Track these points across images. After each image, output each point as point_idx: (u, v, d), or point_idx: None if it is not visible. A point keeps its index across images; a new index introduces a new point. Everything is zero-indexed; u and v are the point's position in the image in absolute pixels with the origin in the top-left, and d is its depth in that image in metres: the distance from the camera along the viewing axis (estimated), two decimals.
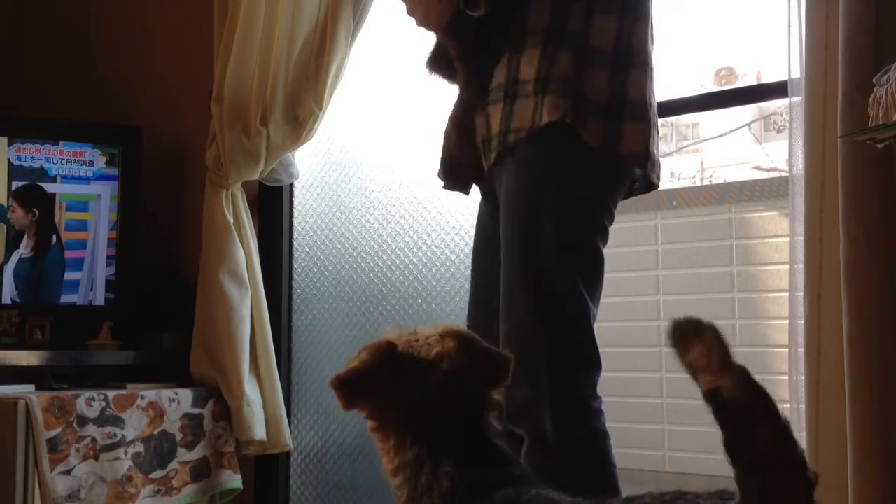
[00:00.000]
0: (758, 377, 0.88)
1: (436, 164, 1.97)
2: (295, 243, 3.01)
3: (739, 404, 0.87)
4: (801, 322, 1.87)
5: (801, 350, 1.87)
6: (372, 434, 1.23)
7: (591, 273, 1.74)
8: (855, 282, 1.74)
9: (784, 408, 1.91)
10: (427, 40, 1.97)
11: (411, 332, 1.24)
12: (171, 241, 3.09)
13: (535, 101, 1.74)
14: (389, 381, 1.18)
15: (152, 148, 2.97)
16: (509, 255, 1.75)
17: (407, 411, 1.18)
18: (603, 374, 1.72)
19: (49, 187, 2.86)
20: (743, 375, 0.88)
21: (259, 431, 2.69)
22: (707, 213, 5.60)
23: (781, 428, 0.86)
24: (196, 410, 2.64)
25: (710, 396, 0.88)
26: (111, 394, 2.47)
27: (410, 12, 1.91)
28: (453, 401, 1.18)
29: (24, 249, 2.84)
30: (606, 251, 1.77)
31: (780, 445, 0.86)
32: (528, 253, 1.73)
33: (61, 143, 2.87)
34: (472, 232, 2.02)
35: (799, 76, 1.93)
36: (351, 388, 1.18)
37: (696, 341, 0.89)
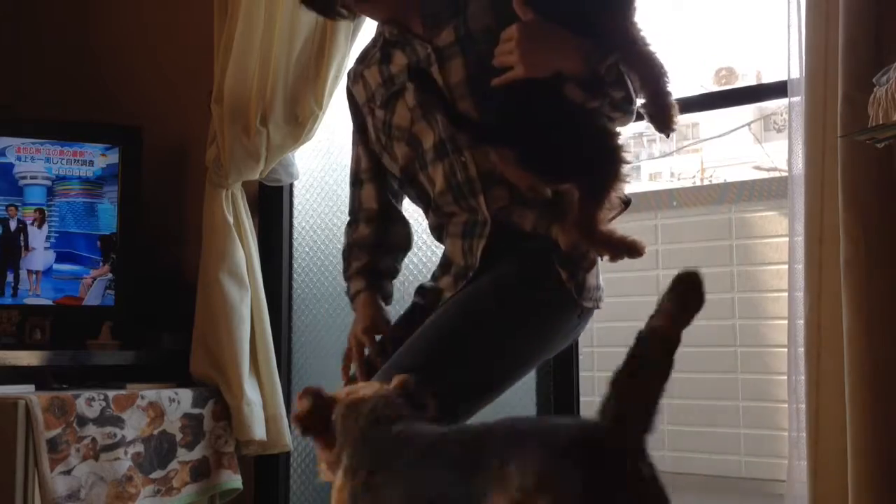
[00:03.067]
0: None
1: None
2: (295, 243, 3.01)
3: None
4: (801, 322, 1.87)
5: (801, 350, 1.87)
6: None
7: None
8: (855, 282, 1.74)
9: (784, 408, 1.90)
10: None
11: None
12: (171, 241, 3.09)
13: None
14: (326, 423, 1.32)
15: (152, 148, 2.97)
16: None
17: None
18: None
19: (49, 187, 2.87)
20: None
21: (259, 431, 2.69)
22: (707, 213, 5.60)
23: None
24: (196, 410, 2.64)
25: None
26: (111, 394, 2.47)
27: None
28: None
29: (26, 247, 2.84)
30: None
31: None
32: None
33: (61, 143, 2.88)
34: None
35: (799, 76, 1.93)
36: (304, 427, 1.34)
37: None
